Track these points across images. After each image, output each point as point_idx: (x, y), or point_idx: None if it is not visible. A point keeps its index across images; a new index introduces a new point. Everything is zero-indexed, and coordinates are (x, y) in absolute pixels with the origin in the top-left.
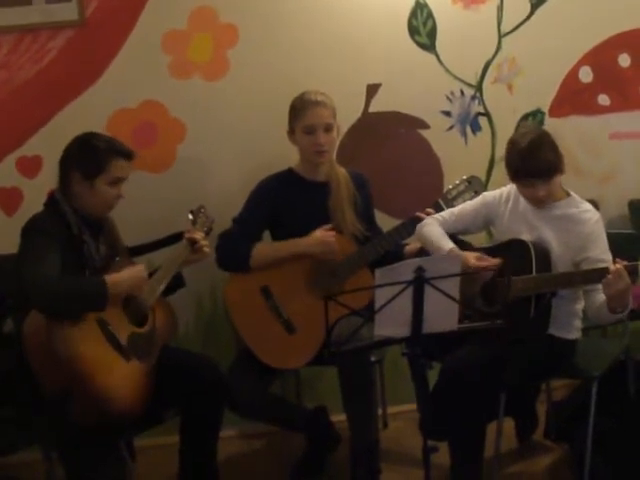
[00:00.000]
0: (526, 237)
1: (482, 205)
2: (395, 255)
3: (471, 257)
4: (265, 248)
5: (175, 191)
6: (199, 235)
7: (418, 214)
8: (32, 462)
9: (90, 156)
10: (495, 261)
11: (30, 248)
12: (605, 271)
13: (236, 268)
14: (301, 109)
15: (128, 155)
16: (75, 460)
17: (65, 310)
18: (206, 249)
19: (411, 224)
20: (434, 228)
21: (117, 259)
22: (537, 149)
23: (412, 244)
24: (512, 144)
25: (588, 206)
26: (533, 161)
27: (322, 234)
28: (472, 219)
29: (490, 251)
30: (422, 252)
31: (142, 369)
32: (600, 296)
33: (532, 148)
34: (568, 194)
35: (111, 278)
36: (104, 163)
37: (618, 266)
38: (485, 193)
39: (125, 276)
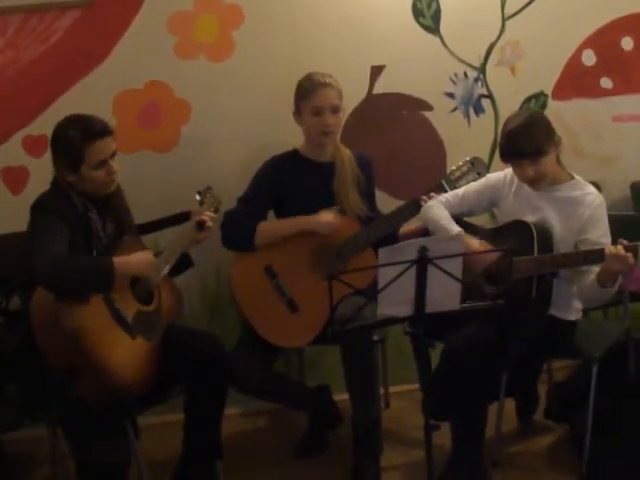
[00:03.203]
0: (529, 219)
1: (486, 186)
2: (391, 236)
3: (475, 243)
4: (269, 225)
5: (180, 171)
6: (208, 216)
7: (423, 197)
8: (37, 438)
9: (66, 149)
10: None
11: (38, 227)
12: (602, 252)
13: (241, 246)
14: (309, 90)
15: (103, 133)
16: (79, 437)
17: (71, 288)
18: (209, 224)
19: (414, 205)
20: (441, 211)
21: (125, 237)
22: (523, 130)
23: (408, 225)
24: (504, 126)
25: (591, 189)
26: (517, 142)
27: (326, 217)
28: (476, 200)
29: (493, 232)
30: (418, 233)
31: (147, 347)
32: (591, 277)
33: (518, 129)
34: (572, 177)
35: (119, 259)
36: (81, 153)
37: (619, 247)
38: (489, 175)
39: (133, 259)
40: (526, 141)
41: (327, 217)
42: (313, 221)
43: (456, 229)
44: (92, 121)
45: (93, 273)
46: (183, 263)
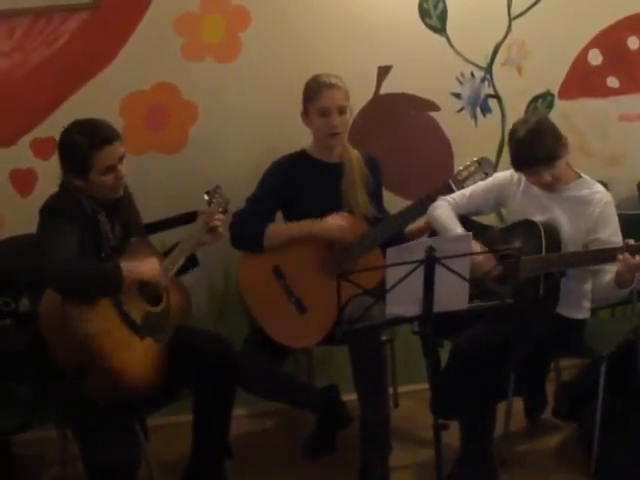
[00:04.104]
0: (538, 218)
1: (493, 186)
2: (397, 235)
3: (476, 248)
4: (279, 228)
5: (187, 172)
6: (220, 220)
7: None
8: (47, 439)
9: (73, 156)
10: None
11: (47, 229)
12: (616, 252)
13: (250, 247)
14: (316, 91)
15: (111, 139)
16: (89, 438)
17: (79, 291)
18: (221, 229)
19: (422, 204)
20: (446, 212)
21: (133, 239)
22: (534, 138)
23: (413, 224)
24: (511, 134)
25: (599, 187)
26: (531, 150)
27: (336, 220)
28: (484, 200)
29: (501, 232)
30: (425, 230)
31: (156, 347)
32: (608, 276)
33: (529, 137)
34: (579, 176)
35: (127, 265)
36: (88, 159)
37: (627, 255)
38: (496, 174)
39: (140, 266)
40: (540, 147)
41: (336, 221)
42: (323, 225)
43: (458, 231)
44: (99, 127)
45: (101, 277)
46: (189, 262)
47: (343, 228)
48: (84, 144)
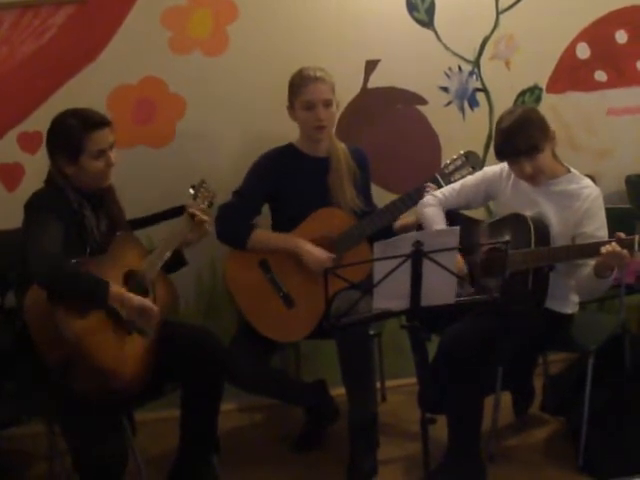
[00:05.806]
0: (527, 213)
1: (483, 180)
2: (385, 229)
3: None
4: (264, 237)
5: (175, 166)
6: (201, 210)
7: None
8: (35, 435)
9: (66, 138)
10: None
11: (32, 225)
12: (597, 246)
13: (233, 243)
14: (300, 85)
15: (103, 124)
16: (77, 433)
17: (62, 291)
18: (207, 226)
19: (410, 198)
20: (435, 211)
21: (118, 234)
22: (516, 129)
23: (403, 219)
24: (498, 123)
25: (588, 182)
26: (513, 140)
27: (321, 254)
28: (473, 194)
29: (491, 226)
30: (415, 225)
31: (143, 342)
32: (588, 269)
33: (511, 128)
34: (569, 170)
35: (117, 291)
36: (81, 141)
37: (614, 245)
38: (486, 168)
39: (130, 297)
40: (522, 139)
41: (321, 255)
42: (306, 252)
43: None
44: (92, 112)
45: (86, 290)
46: (177, 261)
47: (321, 263)
48: (77, 126)
